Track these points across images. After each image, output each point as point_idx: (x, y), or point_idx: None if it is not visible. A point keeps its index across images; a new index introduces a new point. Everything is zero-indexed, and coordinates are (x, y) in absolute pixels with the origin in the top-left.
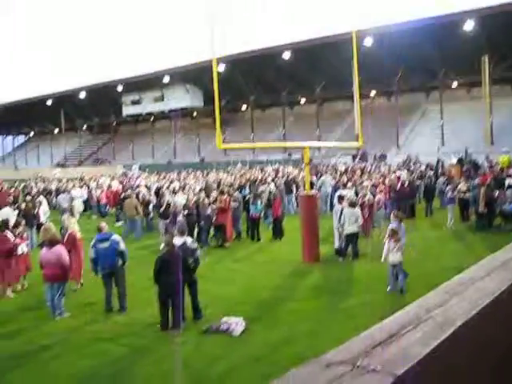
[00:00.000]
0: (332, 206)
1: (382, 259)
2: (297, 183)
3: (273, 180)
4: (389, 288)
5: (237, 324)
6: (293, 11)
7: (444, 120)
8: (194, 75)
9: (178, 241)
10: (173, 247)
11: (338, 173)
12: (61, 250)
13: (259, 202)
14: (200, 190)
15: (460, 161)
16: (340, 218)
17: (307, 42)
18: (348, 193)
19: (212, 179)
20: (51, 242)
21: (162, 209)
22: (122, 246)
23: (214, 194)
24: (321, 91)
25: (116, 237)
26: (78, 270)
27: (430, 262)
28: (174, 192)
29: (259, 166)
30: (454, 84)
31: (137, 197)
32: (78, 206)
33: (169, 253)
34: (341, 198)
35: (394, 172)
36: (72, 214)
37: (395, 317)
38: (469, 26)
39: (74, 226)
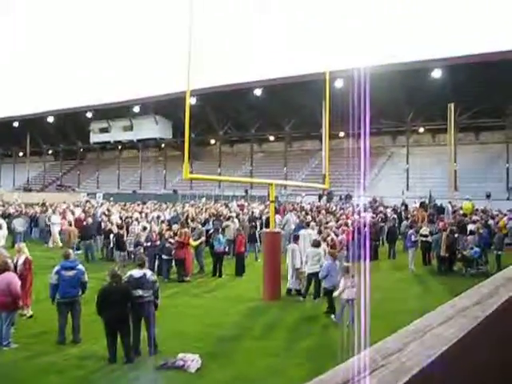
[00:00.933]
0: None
1: (337, 293)
2: (262, 220)
3: (237, 216)
4: (335, 319)
5: (193, 361)
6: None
7: (409, 164)
8: (164, 107)
9: (136, 273)
10: (119, 279)
11: (303, 212)
12: (10, 277)
13: (222, 237)
14: (163, 222)
15: (423, 204)
16: (292, 256)
17: (279, 80)
18: (309, 232)
19: (177, 211)
20: (0, 269)
21: (123, 239)
22: (86, 277)
23: (176, 226)
24: (290, 129)
25: (82, 267)
26: (27, 296)
27: (392, 303)
28: (137, 222)
29: (224, 201)
30: (421, 129)
31: (99, 226)
32: (55, 233)
33: (113, 284)
34: (296, 238)
35: (359, 213)
36: (47, 242)
37: (351, 361)
38: (437, 73)
39: (26, 251)
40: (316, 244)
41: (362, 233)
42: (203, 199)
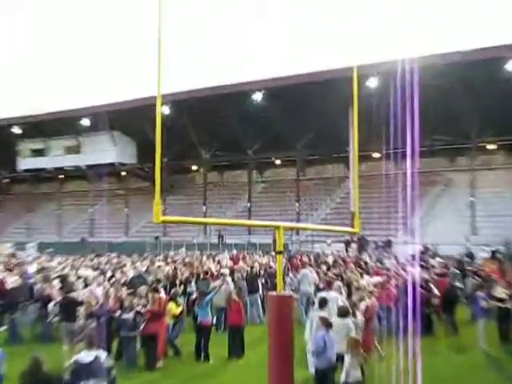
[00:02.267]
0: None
1: (342, 378)
2: (267, 278)
3: (231, 273)
4: None
5: None
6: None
7: (475, 196)
8: (126, 119)
9: (85, 357)
10: (39, 365)
11: (324, 266)
12: None
13: (210, 304)
14: (124, 285)
15: (497, 255)
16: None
17: (286, 79)
18: (332, 296)
19: (142, 269)
20: None
21: (68, 308)
22: (3, 367)
23: (144, 290)
24: (303, 149)
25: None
26: None
27: None
28: (87, 284)
29: (212, 252)
30: (491, 146)
31: (30, 290)
32: None
33: (34, 373)
34: (323, 303)
35: (403, 268)
36: None
37: None
38: None
39: None
40: (343, 312)
41: (409, 295)
42: (182, 250)
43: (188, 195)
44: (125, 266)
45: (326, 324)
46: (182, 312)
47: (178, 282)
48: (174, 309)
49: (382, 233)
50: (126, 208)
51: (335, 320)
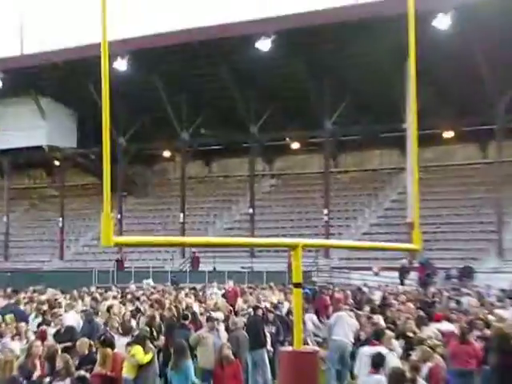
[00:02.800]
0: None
1: None
2: (279, 326)
3: (225, 320)
4: None
5: None
6: None
7: None
8: (59, 80)
9: None
10: None
11: (368, 307)
12: None
13: (191, 365)
14: (58, 335)
15: None
16: None
17: (309, 16)
18: (376, 351)
19: (86, 311)
20: None
21: None
22: None
23: (84, 343)
24: (335, 126)
25: None
26: None
27: None
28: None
29: (197, 286)
30: None
31: None
32: None
33: None
34: (379, 360)
35: (490, 311)
36: None
37: None
38: None
39: None
40: (398, 379)
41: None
42: (148, 281)
43: (158, 197)
44: (58, 306)
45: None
46: (151, 361)
47: (143, 330)
48: (138, 354)
49: (457, 255)
50: (59, 217)
51: None
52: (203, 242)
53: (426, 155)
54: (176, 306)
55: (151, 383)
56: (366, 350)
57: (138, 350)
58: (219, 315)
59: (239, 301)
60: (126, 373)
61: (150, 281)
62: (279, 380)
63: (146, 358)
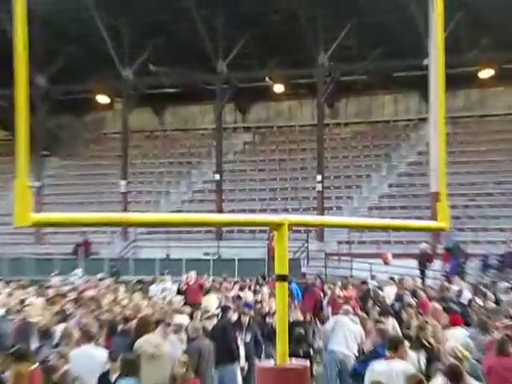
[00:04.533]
0: None
1: None
2: (256, 332)
3: (185, 329)
4: None
5: None
6: None
7: None
8: None
9: None
10: None
11: (376, 308)
12: None
13: None
14: None
15: None
16: None
17: None
18: (401, 368)
19: None
20: None
21: None
22: None
23: None
24: (332, 62)
25: None
26: None
27: None
28: None
29: (144, 279)
30: None
31: None
32: None
33: None
34: None
35: None
36: None
37: None
38: None
39: None
40: None
41: None
42: (76, 272)
43: (91, 158)
44: None
45: None
46: None
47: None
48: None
49: (497, 237)
50: None
51: None
52: (153, 219)
53: (455, 102)
54: (116, 306)
55: None
56: (381, 367)
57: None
58: (176, 319)
59: (202, 299)
60: None
61: (79, 271)
62: None
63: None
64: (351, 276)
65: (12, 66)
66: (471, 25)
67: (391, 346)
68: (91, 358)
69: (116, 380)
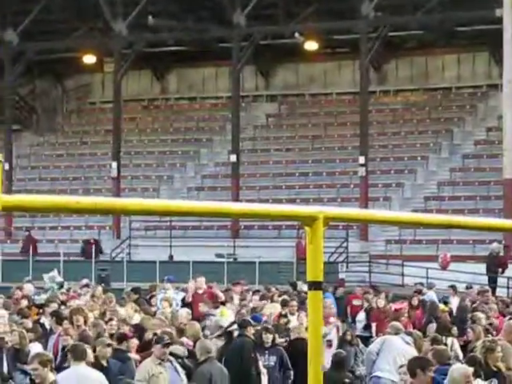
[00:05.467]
0: None
1: None
2: (283, 353)
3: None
4: None
5: None
6: None
7: None
8: None
9: None
10: None
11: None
12: None
13: None
14: None
15: None
16: None
17: None
18: None
19: None
20: None
21: None
22: None
23: None
24: (376, 13)
25: None
26: None
27: None
28: None
29: (140, 285)
30: None
31: None
32: None
33: None
34: None
35: None
36: None
37: None
38: None
39: None
40: None
41: None
42: (52, 275)
43: (74, 133)
44: None
45: None
46: None
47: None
48: None
49: None
50: None
51: None
52: (155, 207)
53: None
54: (104, 320)
55: None
56: None
57: None
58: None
59: (213, 312)
60: None
61: (55, 273)
62: None
63: None
64: (402, 284)
65: None
66: None
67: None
68: (86, 380)
69: None
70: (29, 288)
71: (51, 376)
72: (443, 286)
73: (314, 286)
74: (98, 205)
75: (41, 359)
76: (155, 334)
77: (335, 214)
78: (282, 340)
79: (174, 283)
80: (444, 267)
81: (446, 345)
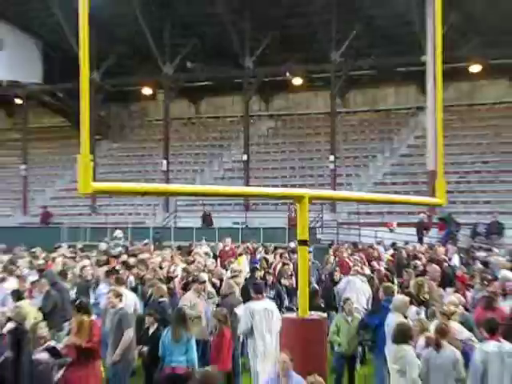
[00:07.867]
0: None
1: None
2: (279, 289)
3: (215, 286)
4: None
5: None
6: None
7: None
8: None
9: None
10: None
11: (381, 266)
12: None
13: (193, 341)
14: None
15: None
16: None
17: None
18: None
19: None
20: None
21: None
22: None
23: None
24: (344, 58)
25: None
26: None
27: None
28: None
29: (181, 244)
30: None
31: None
32: None
33: None
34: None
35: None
36: None
37: None
38: None
39: None
40: (403, 336)
41: None
42: (117, 233)
43: (137, 141)
44: (16, 267)
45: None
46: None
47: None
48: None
49: (484, 208)
50: (23, 164)
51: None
52: (192, 190)
53: (447, 93)
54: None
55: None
56: (490, 348)
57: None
58: (206, 276)
59: (235, 263)
60: None
61: (119, 232)
62: (282, 351)
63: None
64: (359, 242)
65: (70, 65)
66: (462, 24)
67: (490, 329)
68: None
69: (178, 330)
70: (102, 245)
71: (120, 304)
72: (388, 243)
73: (302, 242)
74: (156, 189)
75: (115, 292)
76: (195, 276)
77: (316, 194)
78: (286, 281)
79: (207, 241)
80: (391, 231)
81: (393, 283)
